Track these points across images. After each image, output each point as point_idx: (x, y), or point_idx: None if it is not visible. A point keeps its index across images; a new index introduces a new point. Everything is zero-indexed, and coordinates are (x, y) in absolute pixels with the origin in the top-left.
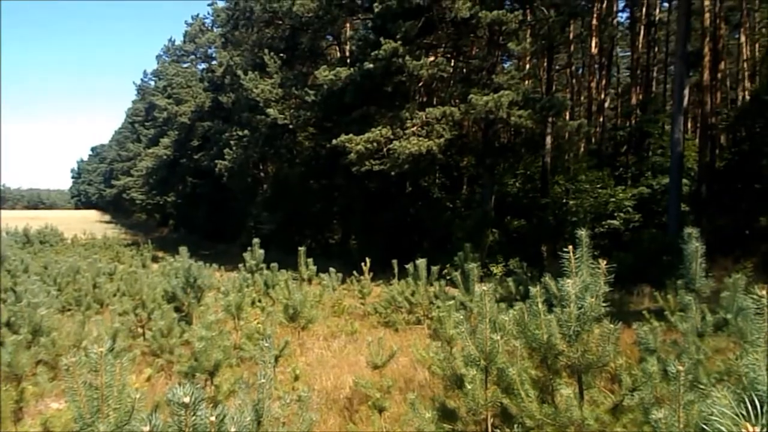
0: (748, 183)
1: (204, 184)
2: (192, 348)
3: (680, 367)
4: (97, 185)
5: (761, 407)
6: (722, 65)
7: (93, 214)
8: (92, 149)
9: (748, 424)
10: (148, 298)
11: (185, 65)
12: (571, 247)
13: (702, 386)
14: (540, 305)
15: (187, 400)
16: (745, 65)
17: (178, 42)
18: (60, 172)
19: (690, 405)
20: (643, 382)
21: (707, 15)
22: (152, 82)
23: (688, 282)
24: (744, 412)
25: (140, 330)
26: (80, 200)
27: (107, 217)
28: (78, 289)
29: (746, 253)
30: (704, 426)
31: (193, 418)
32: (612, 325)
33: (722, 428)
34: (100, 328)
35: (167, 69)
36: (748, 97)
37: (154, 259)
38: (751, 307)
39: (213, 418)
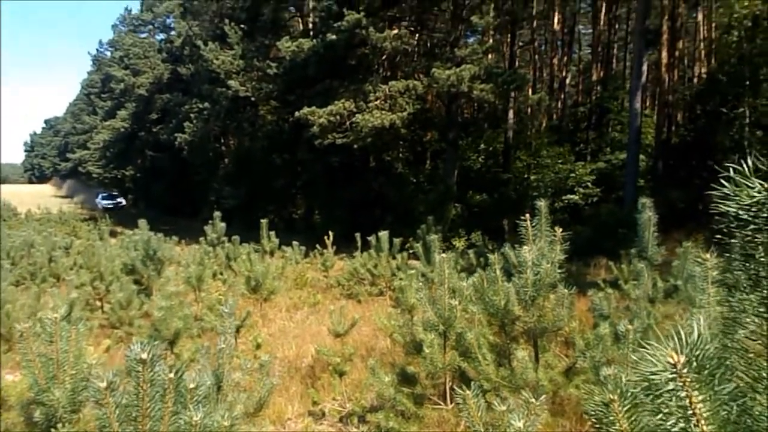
0: (702, 159)
1: (163, 158)
2: (152, 319)
3: (629, 326)
4: (51, 158)
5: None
6: (680, 44)
7: (47, 189)
8: (46, 122)
9: (672, 352)
10: (106, 271)
11: (143, 35)
12: (528, 215)
13: None
14: (498, 272)
15: (144, 356)
16: (702, 45)
17: (135, 11)
18: (12, 145)
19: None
20: (595, 344)
21: None
22: (108, 53)
23: (641, 250)
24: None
25: (98, 303)
26: (34, 174)
27: (63, 192)
28: (33, 263)
29: (699, 226)
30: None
31: (151, 374)
32: (566, 290)
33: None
34: (56, 299)
35: (124, 39)
36: (704, 76)
37: (113, 234)
38: (699, 273)
39: (171, 375)
